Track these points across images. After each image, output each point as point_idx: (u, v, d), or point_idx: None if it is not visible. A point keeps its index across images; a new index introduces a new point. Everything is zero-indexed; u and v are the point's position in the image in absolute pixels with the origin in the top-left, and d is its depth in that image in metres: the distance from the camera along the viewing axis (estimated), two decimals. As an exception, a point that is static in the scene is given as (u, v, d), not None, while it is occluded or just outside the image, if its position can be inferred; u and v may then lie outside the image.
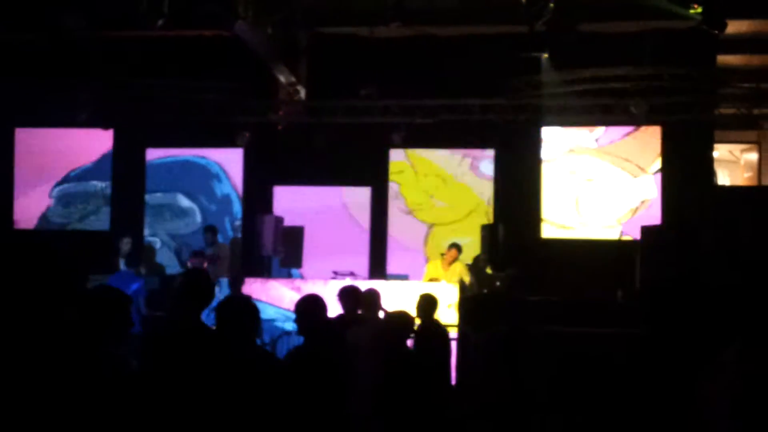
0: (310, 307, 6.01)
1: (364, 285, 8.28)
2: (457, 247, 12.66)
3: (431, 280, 12.39)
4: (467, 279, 12.37)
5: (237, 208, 15.14)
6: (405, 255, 14.51)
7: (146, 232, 15.04)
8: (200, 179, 15.24)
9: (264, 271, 13.09)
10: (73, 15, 11.21)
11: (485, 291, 12.38)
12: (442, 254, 12.69)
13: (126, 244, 12.81)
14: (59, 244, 14.44)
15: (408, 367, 5.69)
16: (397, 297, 10.54)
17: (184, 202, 15.23)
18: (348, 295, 7.56)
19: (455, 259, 12.54)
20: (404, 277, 12.95)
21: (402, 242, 14.66)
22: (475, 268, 12.93)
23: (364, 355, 6.00)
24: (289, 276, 13.70)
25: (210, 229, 13.39)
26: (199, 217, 15.14)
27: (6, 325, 4.05)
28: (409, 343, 7.22)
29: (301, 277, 13.85)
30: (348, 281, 11.74)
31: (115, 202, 15.35)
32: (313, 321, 6.02)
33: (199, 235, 13.94)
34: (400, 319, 6.07)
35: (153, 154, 15.36)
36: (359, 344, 6.25)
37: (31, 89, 14.33)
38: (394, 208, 14.80)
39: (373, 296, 7.67)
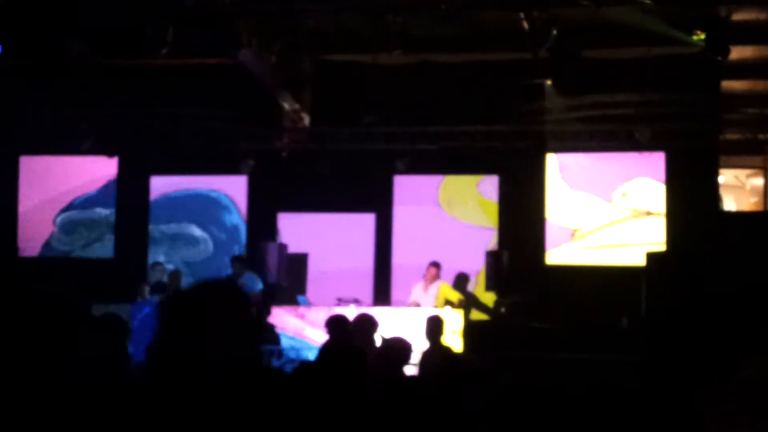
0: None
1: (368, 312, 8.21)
2: (435, 265, 12.46)
3: (415, 304, 12.24)
4: (454, 299, 12.24)
5: (244, 236, 15.19)
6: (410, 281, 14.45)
7: (161, 259, 14.99)
8: (211, 210, 15.33)
9: (268, 298, 13.03)
10: (77, 42, 11.25)
11: (471, 308, 12.25)
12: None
13: (158, 271, 13.15)
14: (63, 272, 14.47)
15: (402, 396, 5.60)
16: (401, 323, 10.50)
17: (196, 231, 15.29)
18: (334, 323, 7.42)
19: (436, 278, 12.37)
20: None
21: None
22: (459, 287, 12.84)
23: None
24: (295, 303, 13.64)
25: (237, 259, 13.33)
26: (211, 246, 15.21)
27: None
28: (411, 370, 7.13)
29: (307, 304, 13.80)
30: (352, 308, 11.70)
31: (119, 229, 15.34)
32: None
33: (212, 262, 14.11)
34: (396, 345, 5.98)
35: (166, 188, 15.42)
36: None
37: (35, 116, 14.39)
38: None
39: (364, 322, 7.51)
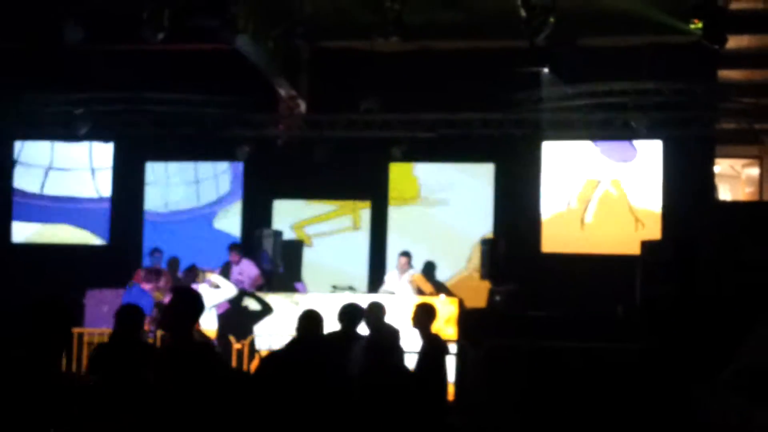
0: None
1: (363, 299, 8.22)
2: (406, 254, 12.57)
3: (389, 292, 12.33)
4: (426, 288, 12.35)
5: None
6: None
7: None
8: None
9: (264, 285, 13.03)
10: (73, 28, 11.21)
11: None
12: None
13: (156, 258, 13.34)
14: (58, 258, 14.46)
15: (398, 383, 5.60)
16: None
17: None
18: (345, 313, 7.42)
19: (407, 267, 12.48)
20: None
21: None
22: (427, 275, 12.96)
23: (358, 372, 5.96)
24: (291, 290, 13.65)
25: (234, 247, 13.17)
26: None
27: None
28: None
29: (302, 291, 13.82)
30: (347, 295, 11.71)
31: (115, 215, 15.31)
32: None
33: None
34: (386, 334, 6.00)
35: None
36: (356, 361, 6.22)
37: (31, 102, 14.36)
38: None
39: (374, 310, 7.54)
